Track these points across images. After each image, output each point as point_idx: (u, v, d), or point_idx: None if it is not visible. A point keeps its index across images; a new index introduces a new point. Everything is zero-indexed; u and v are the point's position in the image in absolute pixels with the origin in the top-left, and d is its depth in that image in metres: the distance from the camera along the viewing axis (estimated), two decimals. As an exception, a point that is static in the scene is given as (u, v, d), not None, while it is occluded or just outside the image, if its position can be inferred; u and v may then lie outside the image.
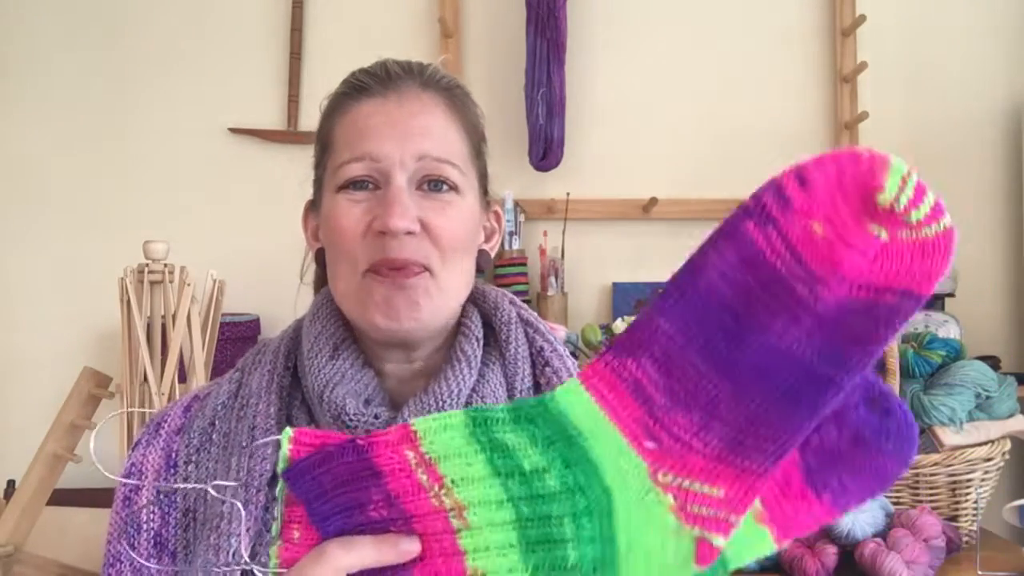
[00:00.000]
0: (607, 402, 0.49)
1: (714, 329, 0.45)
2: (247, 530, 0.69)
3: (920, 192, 0.41)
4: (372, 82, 0.76)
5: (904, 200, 0.40)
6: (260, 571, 0.55)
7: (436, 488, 0.51)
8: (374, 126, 0.74)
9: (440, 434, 0.52)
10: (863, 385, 0.49)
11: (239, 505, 0.61)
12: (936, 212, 0.42)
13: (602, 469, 0.50)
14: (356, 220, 0.72)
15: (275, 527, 0.54)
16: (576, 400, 0.50)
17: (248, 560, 0.57)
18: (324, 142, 0.78)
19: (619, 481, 0.50)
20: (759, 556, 0.51)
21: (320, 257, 0.80)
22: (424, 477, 0.51)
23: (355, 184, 0.73)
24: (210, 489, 0.62)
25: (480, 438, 0.51)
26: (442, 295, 0.74)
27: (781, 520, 0.50)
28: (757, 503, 0.50)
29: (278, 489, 0.54)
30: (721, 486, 0.48)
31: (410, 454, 0.52)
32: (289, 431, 0.54)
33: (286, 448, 0.53)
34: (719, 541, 0.49)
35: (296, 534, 0.54)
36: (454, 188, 0.74)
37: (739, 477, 0.48)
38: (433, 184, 0.73)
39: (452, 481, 0.51)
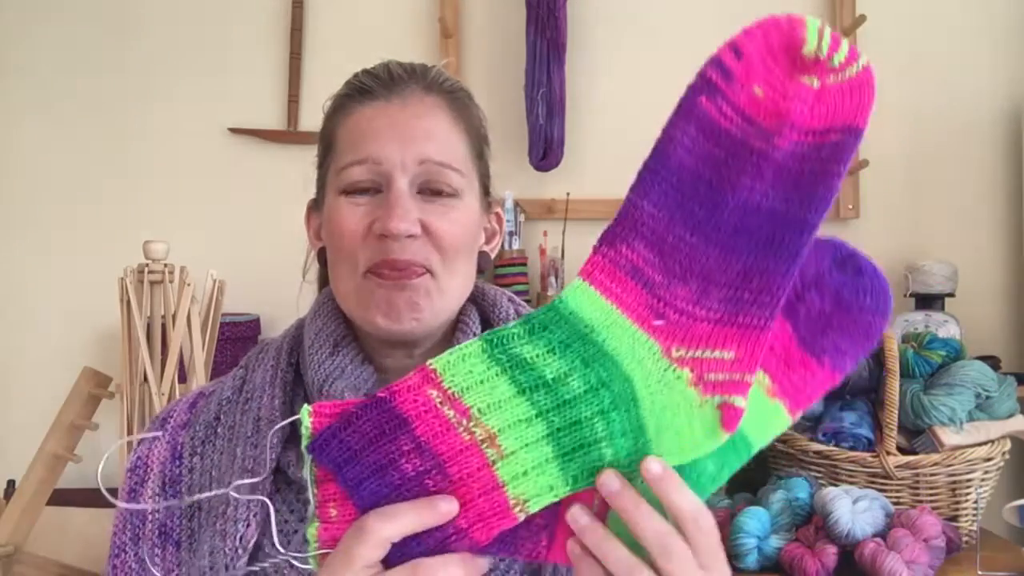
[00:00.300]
0: (611, 292, 0.52)
1: (692, 200, 0.50)
2: (255, 515, 0.70)
3: (836, 40, 0.47)
4: (375, 84, 0.76)
5: (825, 48, 0.46)
6: (296, 558, 0.55)
7: (464, 421, 0.51)
8: (376, 129, 0.74)
9: (459, 365, 0.52)
10: (830, 250, 0.54)
11: (267, 501, 0.60)
12: (852, 54, 0.47)
13: (619, 359, 0.52)
14: (357, 222, 0.73)
15: (310, 508, 0.53)
16: (583, 297, 0.52)
17: (281, 550, 0.57)
18: (327, 142, 0.79)
19: (637, 367, 0.52)
20: (778, 432, 0.55)
21: (322, 256, 0.80)
22: (451, 412, 0.51)
23: (357, 187, 0.74)
24: (232, 492, 0.61)
25: (499, 358, 0.52)
26: (442, 297, 0.74)
27: (790, 391, 0.54)
28: (766, 379, 0.53)
29: (306, 469, 0.53)
30: (730, 348, 0.51)
31: (433, 393, 0.51)
32: (308, 407, 0.53)
33: (307, 422, 0.53)
34: (740, 402, 0.51)
35: (333, 512, 0.53)
36: (455, 192, 0.75)
37: (744, 335, 0.51)
38: (434, 189, 0.74)
39: (479, 410, 0.51)
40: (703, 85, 0.49)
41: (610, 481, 0.50)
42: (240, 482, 0.67)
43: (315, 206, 0.82)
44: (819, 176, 0.49)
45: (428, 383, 0.51)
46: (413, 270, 0.72)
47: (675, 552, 0.50)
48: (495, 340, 0.52)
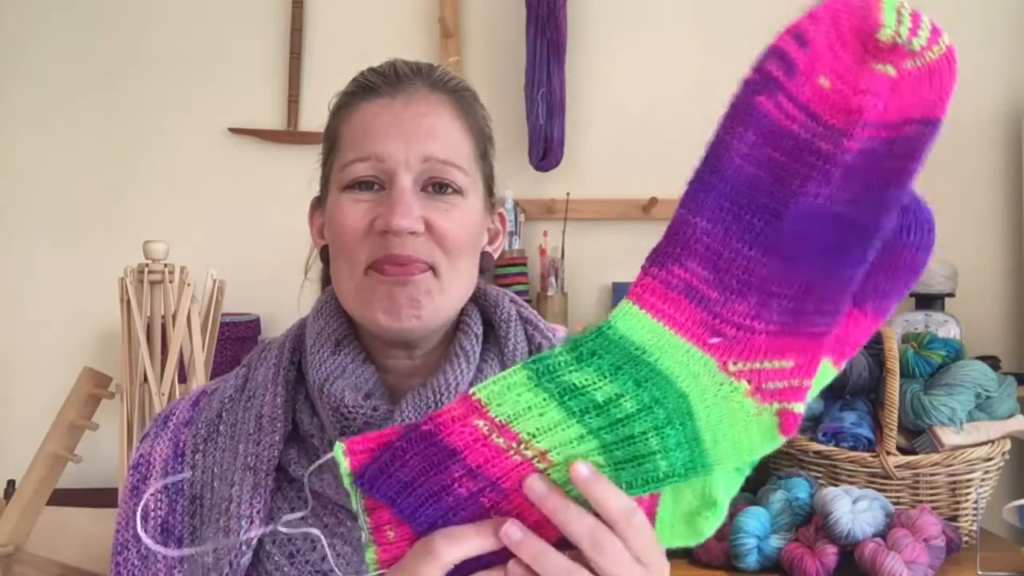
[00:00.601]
0: (663, 313, 0.50)
1: (750, 212, 0.46)
2: (258, 512, 0.71)
3: (916, 19, 0.42)
4: (380, 82, 0.76)
5: (904, 31, 0.41)
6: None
7: (515, 445, 0.50)
8: (380, 126, 0.74)
9: (506, 395, 0.50)
10: None
11: (317, 532, 0.59)
12: (935, 34, 0.43)
13: (673, 377, 0.50)
14: (359, 219, 0.73)
15: (364, 535, 0.52)
16: (633, 320, 0.50)
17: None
18: (331, 140, 0.79)
19: (692, 383, 0.50)
20: (824, 384, 0.52)
21: (325, 254, 0.80)
22: (501, 440, 0.49)
23: (360, 184, 0.74)
24: (281, 528, 0.60)
25: (547, 386, 0.49)
26: (444, 295, 0.74)
27: (836, 346, 0.51)
28: None
29: (354, 501, 0.52)
30: (789, 357, 0.49)
31: (480, 423, 0.49)
32: (340, 445, 0.52)
33: (344, 462, 0.51)
34: (799, 408, 0.50)
35: (391, 534, 0.52)
36: (458, 191, 0.75)
37: (805, 343, 0.49)
38: (438, 186, 0.74)
39: (529, 434, 0.49)
40: (761, 82, 0.43)
41: (535, 485, 0.50)
42: (288, 517, 0.66)
43: (319, 204, 0.82)
44: (892, 174, 0.45)
45: (474, 413, 0.50)
46: (415, 266, 0.72)
47: (607, 547, 0.50)
48: (541, 369, 0.50)
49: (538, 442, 0.49)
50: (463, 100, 0.78)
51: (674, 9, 2.09)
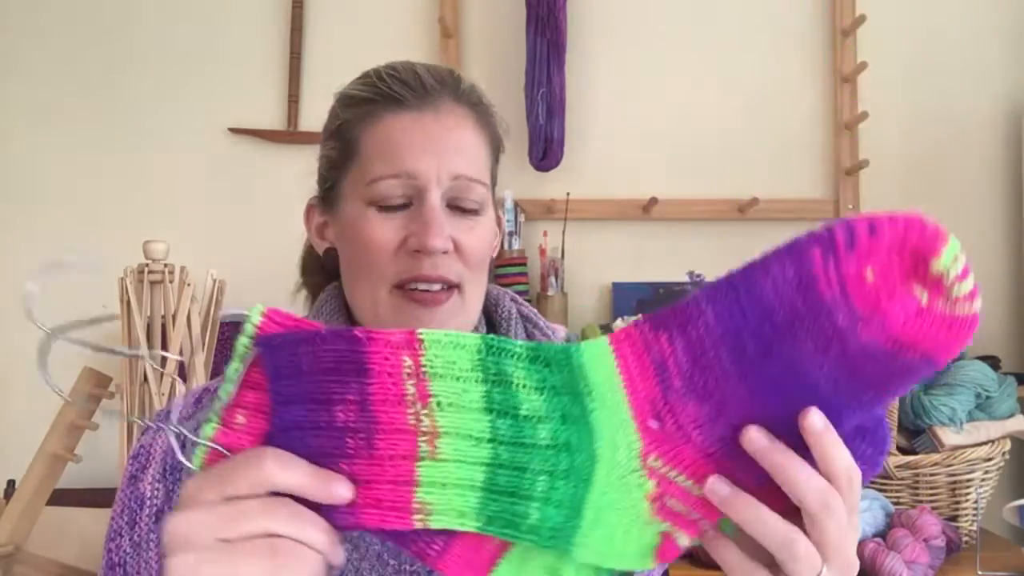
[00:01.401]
0: (628, 371, 0.49)
1: (750, 332, 0.47)
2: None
3: (966, 272, 0.45)
4: (408, 94, 0.75)
5: (953, 274, 0.44)
6: (183, 458, 0.50)
7: (419, 406, 0.48)
8: (411, 142, 0.73)
9: (447, 350, 0.48)
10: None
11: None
12: (973, 294, 0.45)
13: (597, 434, 0.49)
14: (390, 238, 0.73)
15: (217, 404, 0.49)
16: (599, 358, 0.49)
17: (177, 428, 0.52)
18: (349, 147, 0.77)
19: (609, 452, 0.49)
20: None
21: (329, 257, 0.80)
22: (412, 390, 0.48)
23: (390, 202, 0.73)
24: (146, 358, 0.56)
25: (488, 365, 0.48)
26: (466, 313, 0.76)
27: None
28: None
29: (233, 365, 0.49)
30: (702, 486, 0.49)
31: (407, 360, 0.48)
32: (261, 307, 0.49)
33: (256, 321, 0.49)
34: (684, 541, 0.50)
35: (240, 419, 0.49)
36: (480, 207, 0.76)
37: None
38: (463, 205, 0.74)
39: (439, 403, 0.48)
40: (825, 240, 0.45)
41: (755, 438, 0.47)
42: (160, 352, 0.64)
43: (320, 205, 0.81)
44: (876, 383, 0.48)
45: (408, 348, 0.48)
46: (442, 294, 0.73)
47: (835, 507, 0.48)
48: (494, 347, 0.49)
49: (441, 417, 0.48)
50: (483, 111, 0.79)
51: (674, 9, 2.09)
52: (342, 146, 0.77)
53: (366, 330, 0.49)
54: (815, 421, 0.47)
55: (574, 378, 0.49)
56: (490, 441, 0.48)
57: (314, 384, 0.48)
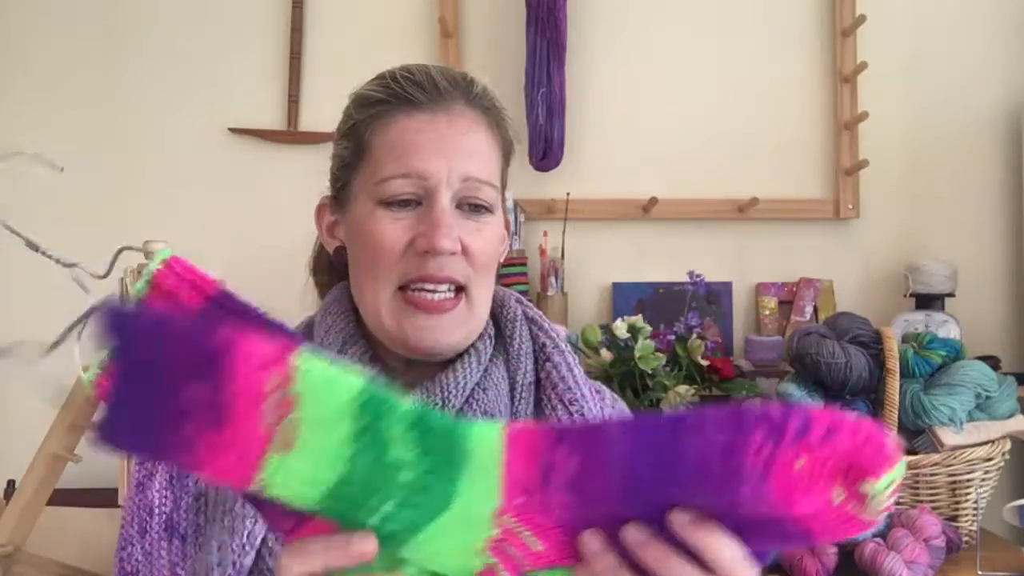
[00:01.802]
0: (512, 462, 0.48)
1: (652, 471, 0.47)
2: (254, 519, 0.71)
3: (894, 493, 0.45)
4: (421, 96, 0.75)
5: (880, 498, 0.45)
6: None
7: (277, 416, 0.44)
8: (423, 143, 0.74)
9: (321, 388, 0.45)
10: None
11: None
12: (886, 510, 0.46)
13: (459, 492, 0.48)
14: (398, 237, 0.73)
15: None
16: (487, 444, 0.48)
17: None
18: (360, 146, 0.77)
19: (465, 504, 0.48)
20: None
21: (338, 255, 0.80)
22: (273, 405, 0.45)
23: (399, 201, 0.74)
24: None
25: (362, 414, 0.46)
26: (473, 318, 0.77)
27: None
28: None
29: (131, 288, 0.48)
30: (545, 545, 0.49)
31: (274, 378, 0.44)
32: (166, 252, 0.47)
33: (155, 268, 0.46)
34: (503, 575, 0.50)
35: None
36: (489, 208, 0.76)
37: (564, 551, 0.50)
38: (472, 207, 0.75)
39: (303, 420, 0.45)
40: (774, 426, 0.44)
41: (633, 534, 0.48)
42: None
43: (332, 204, 0.81)
44: (757, 537, 0.48)
45: (277, 366, 0.44)
46: (447, 302, 0.74)
47: None
48: (374, 400, 0.46)
49: (300, 433, 0.45)
50: (495, 115, 0.80)
51: (674, 9, 2.09)
52: (354, 146, 0.78)
53: (235, 335, 0.44)
54: (678, 516, 0.48)
55: (453, 450, 0.48)
56: (348, 462, 0.46)
57: (167, 371, 0.44)
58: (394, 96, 0.76)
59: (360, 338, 0.78)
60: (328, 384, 0.45)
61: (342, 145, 0.79)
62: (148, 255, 1.55)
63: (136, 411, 0.44)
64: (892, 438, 0.45)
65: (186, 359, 0.44)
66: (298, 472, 0.46)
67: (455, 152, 0.74)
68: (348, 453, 0.46)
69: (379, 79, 0.78)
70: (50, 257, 0.60)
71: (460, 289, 0.75)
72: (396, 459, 0.47)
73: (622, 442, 0.47)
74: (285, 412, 0.45)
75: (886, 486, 0.44)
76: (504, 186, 0.83)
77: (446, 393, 0.74)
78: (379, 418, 0.46)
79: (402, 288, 0.74)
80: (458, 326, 0.75)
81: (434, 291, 0.74)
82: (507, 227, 0.86)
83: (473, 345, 0.78)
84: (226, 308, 0.53)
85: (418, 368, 0.79)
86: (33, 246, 0.58)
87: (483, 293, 0.77)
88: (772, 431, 0.44)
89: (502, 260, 0.85)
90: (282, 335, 0.52)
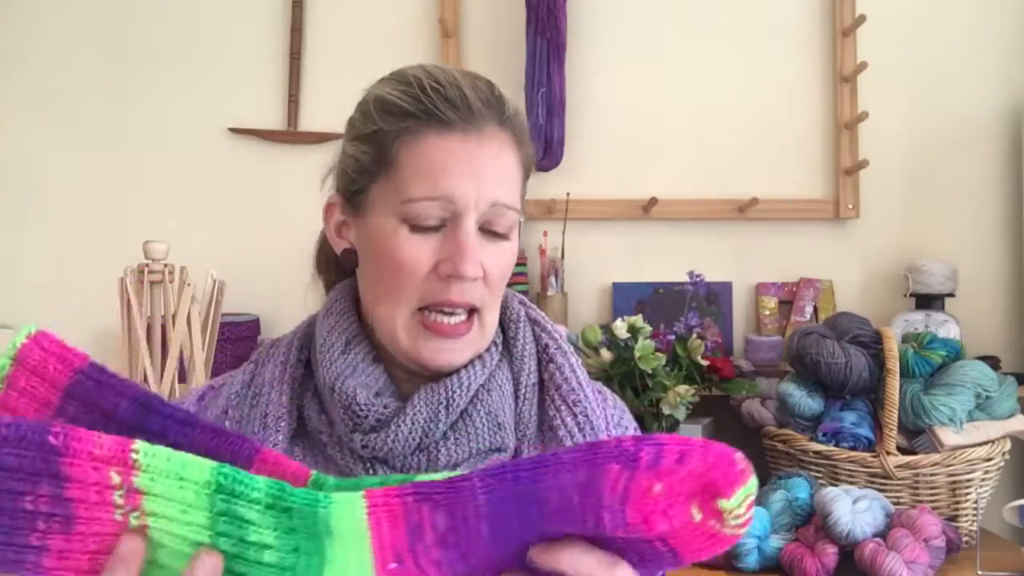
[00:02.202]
0: (378, 530, 0.49)
1: (517, 514, 0.48)
2: None
3: (750, 507, 0.47)
4: (454, 116, 0.73)
5: (737, 514, 0.46)
6: None
7: (128, 509, 0.46)
8: (453, 166, 0.72)
9: (167, 480, 0.46)
10: None
11: None
12: (746, 523, 0.47)
13: (329, 564, 0.49)
14: (423, 260, 0.73)
15: None
16: (350, 515, 0.48)
17: None
18: (384, 157, 0.75)
19: (342, 567, 0.49)
20: None
21: (347, 257, 0.80)
22: (120, 500, 0.46)
23: (426, 224, 0.73)
24: None
25: (216, 504, 0.47)
26: (483, 337, 0.77)
27: None
28: None
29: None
30: None
31: (115, 476, 0.45)
32: (31, 327, 0.49)
33: (19, 343, 0.48)
34: None
35: None
36: (510, 230, 0.76)
37: None
38: (495, 230, 0.75)
39: (153, 514, 0.47)
40: (628, 458, 0.46)
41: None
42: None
43: (344, 204, 0.80)
44: (629, 558, 0.50)
45: (118, 463, 0.46)
46: (461, 326, 0.74)
47: None
48: (228, 487, 0.47)
49: (155, 523, 0.47)
50: (522, 135, 0.78)
51: (674, 9, 2.09)
52: (377, 154, 0.75)
53: (66, 434, 0.45)
54: (532, 551, 0.49)
55: (315, 524, 0.48)
56: (208, 542, 0.47)
57: (7, 479, 0.45)
58: (425, 112, 0.73)
59: (364, 339, 0.78)
60: (174, 472, 0.46)
61: (361, 148, 0.77)
62: (147, 254, 1.55)
63: None
64: (741, 457, 0.46)
65: (23, 465, 0.44)
66: (158, 564, 0.47)
67: (485, 176, 0.73)
68: (206, 539, 0.47)
69: (406, 85, 0.75)
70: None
71: (473, 310, 0.75)
72: (258, 541, 0.47)
73: (486, 493, 0.48)
74: (134, 506, 0.46)
75: (740, 502, 0.46)
76: (523, 202, 0.82)
77: (450, 394, 0.74)
78: (234, 501, 0.47)
79: (419, 308, 0.75)
80: (469, 346, 0.76)
81: (451, 314, 0.75)
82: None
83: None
84: (95, 381, 0.52)
85: (420, 374, 0.79)
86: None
87: (494, 313, 0.78)
88: (627, 462, 0.46)
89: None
90: (156, 413, 0.52)
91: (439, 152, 0.72)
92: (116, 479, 0.46)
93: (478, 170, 0.72)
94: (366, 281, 0.79)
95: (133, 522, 0.47)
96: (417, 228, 0.73)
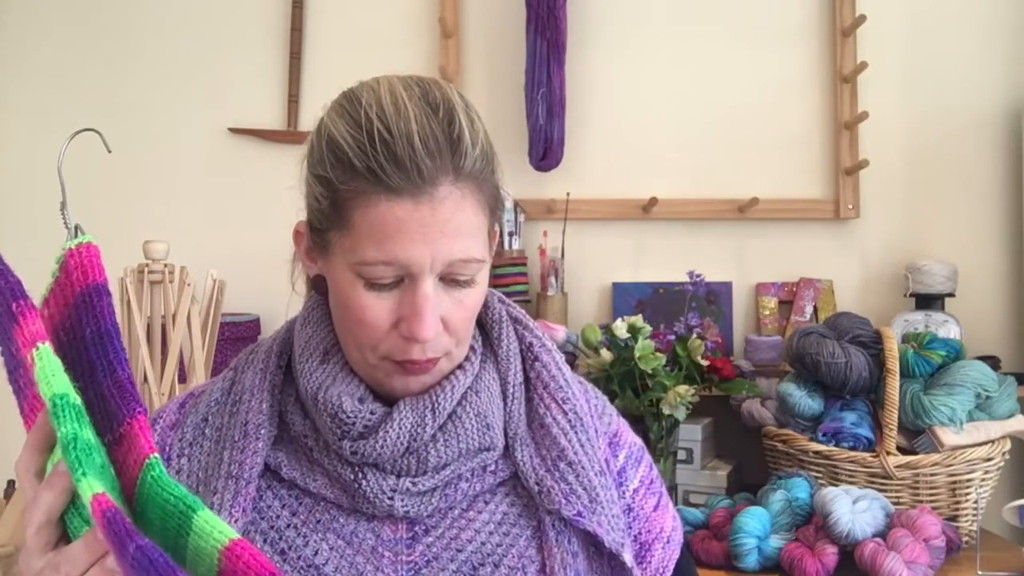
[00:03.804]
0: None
1: None
2: (242, 510, 0.73)
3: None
4: (404, 182, 0.69)
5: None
6: None
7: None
8: (406, 233, 0.69)
9: (41, 383, 0.54)
10: None
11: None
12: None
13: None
14: (382, 317, 0.72)
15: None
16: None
17: None
18: (339, 211, 0.72)
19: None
20: None
21: (319, 282, 0.81)
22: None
23: (380, 281, 0.72)
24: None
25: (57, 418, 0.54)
26: (453, 364, 0.78)
27: None
28: None
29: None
30: None
31: (30, 359, 0.56)
32: (87, 238, 0.69)
33: (68, 246, 0.66)
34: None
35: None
36: (473, 279, 0.75)
37: None
38: (457, 281, 0.74)
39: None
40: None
41: None
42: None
43: (310, 234, 0.77)
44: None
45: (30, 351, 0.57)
46: (428, 365, 0.75)
47: None
48: (55, 412, 0.54)
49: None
50: (483, 179, 0.73)
51: (674, 9, 2.09)
52: (332, 205, 0.72)
53: (24, 310, 0.61)
54: None
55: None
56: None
57: None
58: (373, 173, 0.69)
59: (339, 351, 0.78)
60: (43, 378, 0.54)
61: (318, 190, 0.74)
62: (147, 254, 1.55)
63: None
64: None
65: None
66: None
67: (439, 238, 0.70)
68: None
69: (356, 129, 0.71)
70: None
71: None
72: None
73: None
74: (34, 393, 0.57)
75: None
76: (498, 231, 0.81)
77: (435, 400, 0.75)
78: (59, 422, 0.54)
79: (384, 357, 0.75)
80: (440, 374, 0.77)
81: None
82: (498, 240, 0.83)
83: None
84: (90, 299, 0.65)
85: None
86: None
87: (464, 346, 0.78)
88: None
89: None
90: (110, 347, 0.61)
91: (390, 219, 0.69)
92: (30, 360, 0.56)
93: (432, 235, 0.70)
94: (334, 316, 0.78)
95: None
96: (373, 286, 0.72)
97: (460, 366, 0.78)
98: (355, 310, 0.73)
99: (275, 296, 1.93)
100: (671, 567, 0.84)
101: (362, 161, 0.69)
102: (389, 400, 0.77)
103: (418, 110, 0.70)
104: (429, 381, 0.76)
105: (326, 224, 0.74)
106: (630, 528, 0.82)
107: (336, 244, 0.73)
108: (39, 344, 0.56)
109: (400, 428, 0.73)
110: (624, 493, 0.84)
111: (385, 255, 0.70)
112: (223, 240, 2.04)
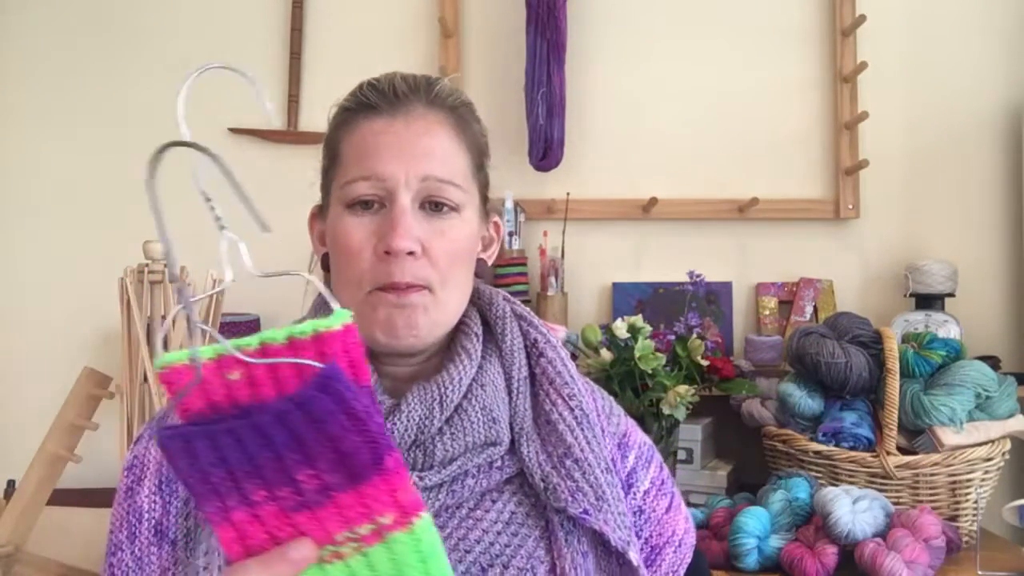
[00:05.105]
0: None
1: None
2: None
3: None
4: (380, 101, 0.78)
5: None
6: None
7: (349, 539, 0.50)
8: (381, 146, 0.76)
9: (401, 561, 0.50)
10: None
11: None
12: None
13: None
14: (363, 241, 0.75)
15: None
16: None
17: None
18: (332, 153, 0.81)
19: None
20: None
21: (326, 261, 0.82)
22: (355, 532, 0.50)
23: (362, 203, 0.76)
24: None
25: None
26: (440, 311, 0.77)
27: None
28: None
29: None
30: None
31: (385, 520, 0.48)
32: (348, 317, 0.49)
33: (333, 324, 0.49)
34: None
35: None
36: (455, 208, 0.77)
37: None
38: (435, 205, 0.76)
39: (354, 560, 0.51)
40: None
41: None
42: None
43: (320, 213, 0.84)
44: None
45: (396, 514, 0.49)
46: (411, 288, 0.75)
47: None
48: None
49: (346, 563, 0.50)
50: (460, 116, 0.80)
51: (674, 9, 2.09)
52: (329, 154, 0.81)
53: (395, 458, 0.48)
54: None
55: None
56: None
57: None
58: (358, 104, 0.79)
59: None
60: (412, 558, 0.47)
61: (323, 155, 0.83)
62: (147, 254, 1.55)
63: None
64: None
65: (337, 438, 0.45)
66: None
67: (412, 154, 0.76)
68: None
69: (353, 90, 0.82)
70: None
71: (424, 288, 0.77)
72: None
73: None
74: (357, 546, 0.47)
75: None
76: (484, 185, 0.84)
77: (443, 391, 0.75)
78: None
79: (372, 291, 0.76)
80: (420, 315, 0.75)
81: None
82: (496, 229, 0.87)
83: (461, 345, 0.80)
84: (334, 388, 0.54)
85: (409, 377, 0.80)
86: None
87: (452, 291, 0.78)
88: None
89: (491, 257, 0.86)
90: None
91: (368, 135, 0.77)
92: (384, 521, 0.47)
93: (407, 148, 0.76)
94: (332, 277, 0.81)
95: (337, 549, 0.47)
96: (355, 209, 0.76)
97: (460, 355, 0.79)
98: (341, 238, 0.76)
99: (275, 296, 1.93)
100: (682, 571, 0.84)
101: (351, 101, 0.80)
102: (397, 396, 0.77)
103: (406, 74, 0.81)
104: (415, 319, 0.75)
105: (326, 183, 0.81)
106: (640, 531, 0.82)
107: (332, 191, 0.79)
108: (421, 513, 0.47)
109: (408, 420, 0.74)
110: (635, 495, 0.83)
111: (364, 170, 0.76)
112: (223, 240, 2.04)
